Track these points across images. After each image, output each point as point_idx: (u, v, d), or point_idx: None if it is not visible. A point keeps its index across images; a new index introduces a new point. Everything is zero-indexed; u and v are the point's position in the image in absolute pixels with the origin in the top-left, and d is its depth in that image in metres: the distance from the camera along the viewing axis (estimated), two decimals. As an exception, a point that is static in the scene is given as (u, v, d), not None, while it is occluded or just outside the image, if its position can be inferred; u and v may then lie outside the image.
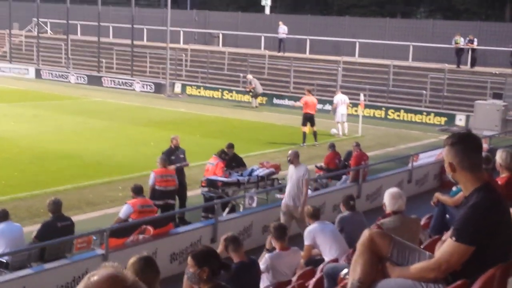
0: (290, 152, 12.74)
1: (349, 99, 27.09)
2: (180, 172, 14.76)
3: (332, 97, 32.46)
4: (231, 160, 15.58)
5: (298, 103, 25.55)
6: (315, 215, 9.76)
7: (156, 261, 5.22)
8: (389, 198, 7.05)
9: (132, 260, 5.09)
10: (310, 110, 23.98)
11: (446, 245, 4.07)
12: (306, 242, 9.43)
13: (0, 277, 9.48)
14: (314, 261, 9.04)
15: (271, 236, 8.83)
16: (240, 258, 7.68)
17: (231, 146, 15.83)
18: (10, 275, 9.42)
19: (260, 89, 33.65)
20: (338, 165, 17.22)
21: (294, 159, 12.37)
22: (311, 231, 9.45)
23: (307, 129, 23.75)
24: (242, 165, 15.93)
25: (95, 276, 2.33)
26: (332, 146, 17.76)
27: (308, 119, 23.88)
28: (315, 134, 24.00)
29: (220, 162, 14.86)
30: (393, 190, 7.23)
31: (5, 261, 9.99)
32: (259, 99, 33.94)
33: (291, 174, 12.34)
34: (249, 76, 34.29)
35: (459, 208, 4.43)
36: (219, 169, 14.76)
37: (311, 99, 24.50)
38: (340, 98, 26.34)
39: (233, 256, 7.73)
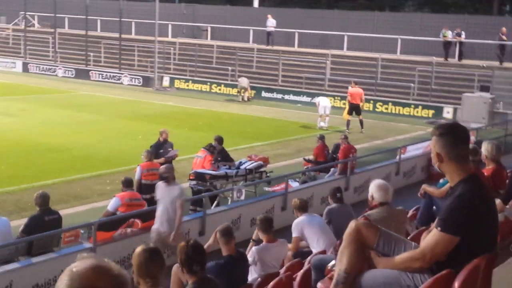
0: (164, 167, 11.06)
1: (337, 92, 27.21)
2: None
3: (320, 90, 32.57)
4: (217, 153, 15.56)
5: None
6: (303, 207, 9.77)
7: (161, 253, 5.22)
8: (375, 189, 7.07)
9: (137, 251, 5.10)
10: (355, 101, 25.66)
11: (431, 235, 4.09)
12: (294, 234, 9.45)
13: (-13, 271, 9.43)
14: (302, 253, 9.06)
15: (257, 228, 8.84)
16: (230, 251, 7.70)
17: (217, 139, 15.80)
18: (-3, 269, 9.37)
19: (243, 83, 33.45)
20: (326, 157, 17.25)
21: (170, 177, 10.54)
22: (299, 223, 9.47)
23: (349, 117, 25.75)
24: (228, 160, 15.85)
25: (79, 267, 2.24)
26: (322, 137, 17.79)
27: (354, 108, 25.69)
28: (361, 122, 25.64)
29: (208, 155, 14.85)
30: (379, 181, 7.25)
31: (-8, 255, 9.95)
32: (247, 93, 33.84)
33: (163, 195, 10.46)
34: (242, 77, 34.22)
35: (445, 198, 4.45)
36: (207, 162, 14.75)
37: (356, 90, 25.97)
38: (322, 99, 26.91)
39: (222, 248, 7.75)
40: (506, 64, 32.95)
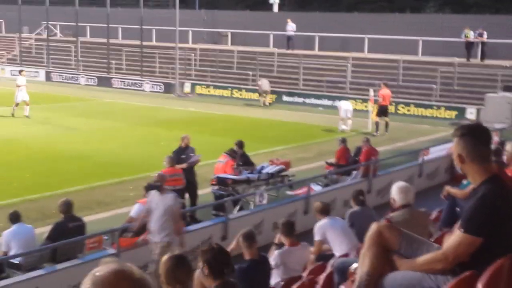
0: (157, 175, 10.70)
1: (359, 95, 27.12)
2: (190, 171, 14.78)
3: (342, 93, 32.50)
4: (238, 158, 15.57)
5: (372, 97, 26.66)
6: (325, 210, 9.73)
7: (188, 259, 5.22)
8: (397, 192, 7.02)
9: (164, 258, 5.13)
10: (386, 102, 25.77)
11: (454, 236, 4.07)
12: (317, 237, 9.42)
13: (13, 278, 9.53)
14: (324, 256, 9.03)
15: (280, 232, 8.82)
16: (252, 255, 7.69)
17: (238, 143, 15.80)
18: (23, 276, 9.47)
19: (265, 86, 33.52)
20: (348, 160, 17.19)
21: (163, 184, 10.35)
22: (322, 226, 9.44)
23: (378, 119, 25.76)
24: (249, 164, 15.83)
25: (101, 272, 2.28)
26: (344, 140, 17.73)
27: (384, 110, 25.68)
28: (387, 124, 25.66)
29: (229, 160, 14.88)
30: (400, 183, 7.20)
31: (17, 262, 10.05)
32: (269, 98, 33.89)
33: (157, 204, 10.15)
34: (259, 83, 34.28)
35: (468, 200, 4.41)
36: (229, 167, 14.76)
37: (387, 91, 26.01)
38: (344, 103, 26.79)
39: (245, 252, 7.74)
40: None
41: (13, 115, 27.60)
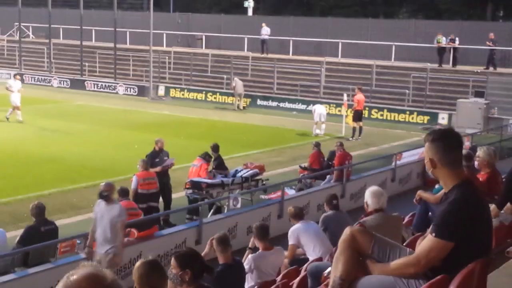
0: (103, 184, 10.08)
1: (332, 99, 27.25)
2: (165, 174, 14.77)
3: (315, 97, 32.67)
4: (213, 162, 15.57)
5: (346, 102, 26.74)
6: (298, 215, 9.77)
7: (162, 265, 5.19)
8: (370, 196, 7.09)
9: (136, 264, 5.08)
10: (361, 107, 25.99)
11: (426, 240, 4.11)
12: (290, 241, 9.46)
13: (-16, 282, 9.42)
14: (298, 260, 9.07)
15: (254, 236, 8.84)
16: (226, 259, 7.69)
17: (213, 147, 15.81)
18: (-6, 280, 9.36)
19: (240, 89, 33.58)
20: (322, 165, 17.27)
21: (110, 194, 9.89)
22: (295, 230, 9.48)
23: (355, 124, 25.82)
24: (222, 168, 15.83)
25: (74, 275, 2.32)
26: (317, 145, 17.84)
27: (360, 115, 25.80)
28: (361, 129, 25.76)
29: (204, 164, 14.87)
30: (374, 188, 7.27)
31: (-12, 267, 9.94)
32: (243, 101, 33.93)
33: (102, 214, 9.73)
34: (235, 79, 34.30)
35: (440, 204, 4.47)
36: (203, 170, 14.77)
37: (361, 96, 26.25)
38: (318, 107, 26.79)
39: (219, 257, 7.74)
40: (499, 69, 33.09)
41: (7, 119, 27.07)
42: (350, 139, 25.07)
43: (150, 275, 4.96)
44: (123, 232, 9.86)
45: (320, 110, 26.33)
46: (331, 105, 31.38)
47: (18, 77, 30.00)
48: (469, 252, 4.05)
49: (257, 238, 8.71)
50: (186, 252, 5.90)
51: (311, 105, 29.94)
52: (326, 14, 47.85)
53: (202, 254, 7.16)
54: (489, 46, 33.15)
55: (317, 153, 17.49)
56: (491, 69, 32.79)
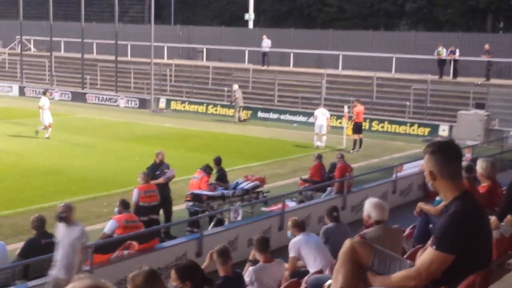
0: (62, 206, 9.51)
1: (333, 111, 27.18)
2: (165, 187, 14.75)
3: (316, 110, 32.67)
4: (215, 174, 15.56)
5: (347, 114, 26.64)
6: (299, 226, 9.75)
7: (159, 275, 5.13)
8: (371, 208, 7.08)
9: (133, 274, 4.99)
10: (360, 119, 25.97)
11: (426, 253, 4.10)
12: (291, 254, 9.43)
13: (-16, 295, 9.41)
14: (299, 273, 9.04)
15: (254, 248, 8.82)
16: (226, 272, 7.68)
17: (215, 160, 15.81)
18: (-6, 293, 9.35)
19: (241, 102, 33.69)
20: (323, 177, 17.26)
21: (69, 216, 9.30)
22: (296, 243, 9.45)
23: (355, 136, 25.85)
24: (223, 180, 15.78)
25: (76, 287, 2.30)
26: (319, 157, 17.83)
27: (359, 127, 25.81)
28: (361, 141, 25.80)
29: (204, 176, 14.86)
30: (374, 200, 7.26)
31: (-12, 279, 9.92)
32: (244, 114, 33.98)
33: (62, 237, 9.25)
34: (235, 86, 34.37)
35: (440, 216, 4.46)
36: (204, 183, 14.75)
37: (360, 108, 26.22)
38: (321, 112, 26.61)
39: (219, 269, 7.73)
40: (500, 81, 33.13)
41: (36, 132, 26.44)
42: (351, 151, 25.06)
43: (147, 286, 4.91)
44: (82, 256, 9.35)
45: (320, 121, 26.18)
46: (332, 117, 31.37)
47: (48, 94, 29.48)
48: (470, 264, 4.05)
49: (258, 250, 8.70)
50: (186, 264, 5.90)
51: (312, 117, 29.94)
52: (327, 27, 47.96)
53: (203, 266, 7.15)
54: (486, 57, 33.31)
55: (319, 165, 17.49)
56: (492, 80, 32.86)
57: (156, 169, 14.88)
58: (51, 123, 26.72)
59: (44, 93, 28.94)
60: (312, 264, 9.15)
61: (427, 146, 4.32)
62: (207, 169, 15.07)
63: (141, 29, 47.92)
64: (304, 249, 9.32)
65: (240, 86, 36.39)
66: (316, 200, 16.00)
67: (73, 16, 50.81)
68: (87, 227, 14.59)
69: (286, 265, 9.23)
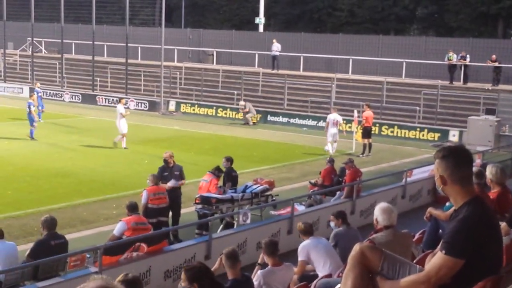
0: None
1: (343, 115, 27.00)
2: (176, 189, 14.73)
3: (326, 113, 32.60)
4: (225, 175, 15.52)
5: (357, 118, 26.49)
6: (308, 231, 9.75)
7: (141, 281, 5.14)
8: (379, 213, 7.06)
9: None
10: (369, 124, 25.90)
11: (436, 258, 4.09)
12: (300, 257, 9.43)
13: (-7, 295, 9.44)
14: (308, 277, 9.04)
15: (263, 252, 8.82)
16: (235, 275, 7.68)
17: (228, 159, 15.78)
18: (3, 294, 9.37)
19: (254, 112, 33.84)
20: (333, 181, 17.24)
21: None
22: (305, 246, 9.45)
23: (365, 140, 25.70)
24: (232, 180, 15.75)
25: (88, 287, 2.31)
26: (331, 161, 17.79)
27: (369, 131, 25.73)
28: (370, 145, 25.67)
29: (214, 179, 14.85)
30: (384, 205, 7.23)
31: (-2, 280, 9.95)
32: (254, 117, 33.99)
33: None
34: (242, 103, 34.43)
35: (450, 221, 4.45)
36: (213, 186, 14.74)
37: (370, 113, 26.07)
38: (333, 118, 25.89)
39: (228, 272, 7.73)
40: (511, 87, 33.02)
41: (115, 144, 25.17)
42: (361, 155, 25.00)
43: None
44: None
45: (332, 130, 25.48)
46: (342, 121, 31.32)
47: (123, 101, 28.19)
48: (479, 270, 4.04)
49: (266, 254, 8.69)
50: (195, 266, 5.91)
51: (322, 121, 29.88)
52: (337, 31, 47.98)
53: (212, 269, 7.16)
54: (491, 63, 33.50)
55: (330, 169, 17.46)
56: (502, 86, 32.81)
57: (165, 170, 14.86)
58: (125, 134, 25.30)
59: (119, 101, 27.67)
60: (322, 268, 9.14)
61: (438, 150, 4.30)
62: (216, 172, 15.08)
63: (152, 32, 48.13)
64: (314, 252, 9.32)
65: (250, 90, 36.47)
66: (325, 204, 15.97)
67: (84, 18, 51.04)
68: (95, 229, 14.76)
69: (295, 269, 9.22)
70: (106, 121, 33.09)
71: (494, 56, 33.60)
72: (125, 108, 27.25)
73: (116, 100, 39.50)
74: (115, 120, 25.84)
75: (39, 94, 31.71)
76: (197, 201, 14.63)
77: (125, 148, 24.94)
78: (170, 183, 14.56)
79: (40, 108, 30.19)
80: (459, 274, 4.02)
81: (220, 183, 15.44)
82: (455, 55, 34.47)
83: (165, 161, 14.97)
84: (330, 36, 45.45)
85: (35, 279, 10.03)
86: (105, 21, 51.60)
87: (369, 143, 25.71)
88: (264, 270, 8.59)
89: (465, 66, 34.60)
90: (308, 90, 36.39)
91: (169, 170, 14.83)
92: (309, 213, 14.79)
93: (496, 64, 33.54)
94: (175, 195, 14.61)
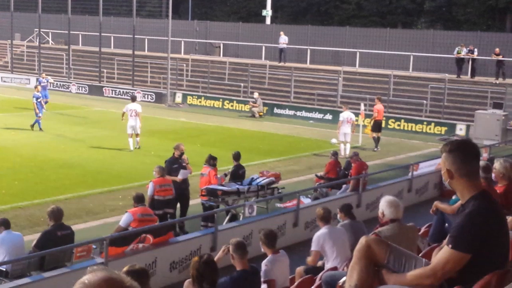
0: None
1: (350, 108, 26.52)
2: (184, 182, 14.73)
3: (333, 107, 32.52)
4: (231, 174, 15.49)
5: (363, 112, 26.16)
6: (326, 218, 9.60)
7: (148, 272, 5.16)
8: (386, 206, 7.04)
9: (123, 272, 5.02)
10: (381, 117, 25.66)
11: (442, 252, 4.08)
12: (314, 247, 9.33)
13: (0, 285, 9.47)
14: (313, 269, 9.02)
15: (261, 242, 8.67)
16: (243, 266, 7.66)
17: (234, 155, 15.75)
18: (10, 284, 9.41)
19: (261, 108, 33.79)
20: (338, 174, 17.23)
21: None
22: (319, 237, 9.33)
23: (375, 134, 25.33)
24: (237, 177, 15.68)
25: (91, 279, 2.27)
26: (335, 154, 17.80)
27: (379, 125, 25.43)
28: (378, 139, 25.38)
29: (211, 170, 14.77)
30: (389, 198, 7.21)
31: (5, 270, 9.99)
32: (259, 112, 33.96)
33: None
34: (256, 95, 34.25)
35: (456, 215, 4.44)
36: (213, 177, 14.69)
37: (381, 106, 25.82)
38: (347, 116, 24.15)
39: (236, 263, 7.70)
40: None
41: (139, 147, 23.58)
42: (375, 149, 24.87)
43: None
44: None
45: (345, 128, 24.01)
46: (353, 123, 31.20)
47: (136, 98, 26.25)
48: (486, 264, 4.03)
49: (266, 245, 8.52)
50: (202, 266, 5.93)
51: (328, 114, 29.85)
52: (344, 24, 47.81)
53: (215, 258, 7.15)
54: (496, 57, 33.40)
55: (334, 162, 17.45)
56: (510, 80, 32.67)
57: (174, 163, 14.84)
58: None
59: (135, 99, 25.37)
60: (333, 260, 9.04)
61: (445, 144, 4.29)
62: (210, 161, 14.95)
63: (159, 23, 48.08)
64: (328, 244, 9.20)
65: (256, 82, 36.40)
66: (331, 197, 15.96)
67: (91, 9, 51.00)
68: (101, 220, 14.80)
69: (308, 258, 9.16)
70: (112, 113, 33.12)
71: (497, 50, 33.46)
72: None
73: (123, 92, 39.61)
74: (131, 120, 23.70)
75: (43, 84, 31.67)
76: (202, 193, 14.62)
77: (138, 148, 23.69)
78: (180, 175, 14.56)
79: (44, 98, 30.14)
80: (466, 268, 4.01)
81: (226, 180, 15.43)
82: (464, 49, 34.34)
83: (182, 153, 14.96)
84: (337, 29, 45.31)
85: (41, 270, 10.08)
86: (112, 13, 51.57)
87: (378, 137, 25.57)
88: (268, 258, 8.50)
89: (473, 59, 34.47)
90: (315, 83, 36.34)
91: (178, 163, 14.81)
92: (315, 206, 14.77)
93: (500, 57, 33.41)
94: (184, 187, 14.62)
